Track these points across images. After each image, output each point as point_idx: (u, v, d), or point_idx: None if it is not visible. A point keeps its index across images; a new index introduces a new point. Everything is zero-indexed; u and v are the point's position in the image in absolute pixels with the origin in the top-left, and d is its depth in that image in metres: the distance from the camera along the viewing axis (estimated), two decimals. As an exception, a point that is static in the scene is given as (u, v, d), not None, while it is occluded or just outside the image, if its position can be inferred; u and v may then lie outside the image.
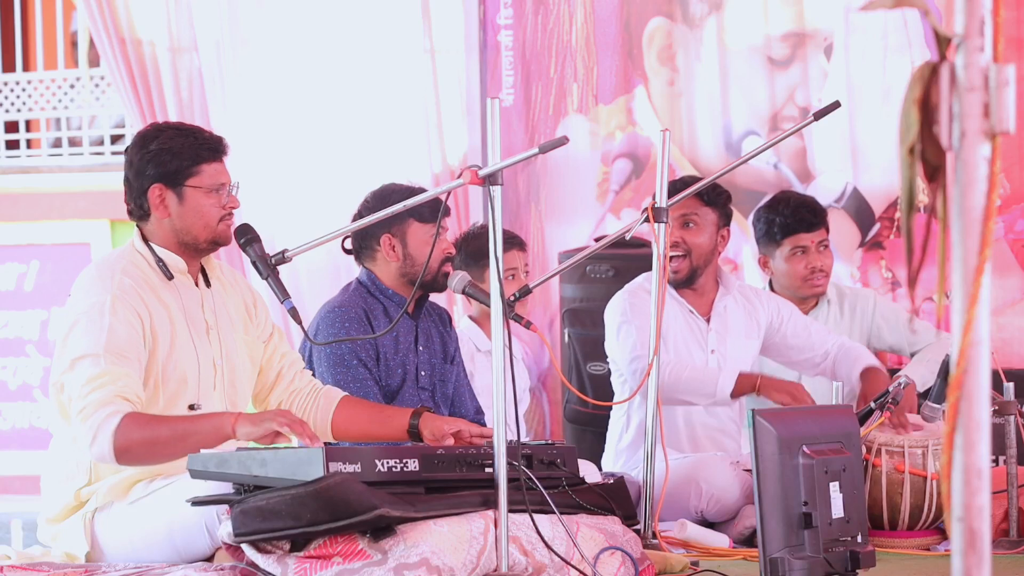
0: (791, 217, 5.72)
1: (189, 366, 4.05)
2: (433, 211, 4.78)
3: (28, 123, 8.45)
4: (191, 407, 4.04)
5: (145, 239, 4.12)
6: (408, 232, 4.93)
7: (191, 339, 4.07)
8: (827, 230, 5.76)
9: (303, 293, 6.75)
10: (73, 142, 8.31)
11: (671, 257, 5.32)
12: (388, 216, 4.24)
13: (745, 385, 5.22)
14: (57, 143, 8.28)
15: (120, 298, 3.95)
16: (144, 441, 3.82)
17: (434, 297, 5.20)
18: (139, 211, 4.13)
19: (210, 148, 4.12)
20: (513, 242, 5.77)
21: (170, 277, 4.08)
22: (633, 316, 5.24)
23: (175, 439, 3.82)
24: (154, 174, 4.10)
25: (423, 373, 4.97)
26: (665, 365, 5.17)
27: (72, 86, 8.28)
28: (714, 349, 5.43)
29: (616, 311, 5.36)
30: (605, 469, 5.37)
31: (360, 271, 5.03)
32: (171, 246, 4.11)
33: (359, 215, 4.86)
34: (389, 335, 4.88)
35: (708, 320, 5.46)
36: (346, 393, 4.46)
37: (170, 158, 4.08)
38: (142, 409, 3.89)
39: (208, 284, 4.20)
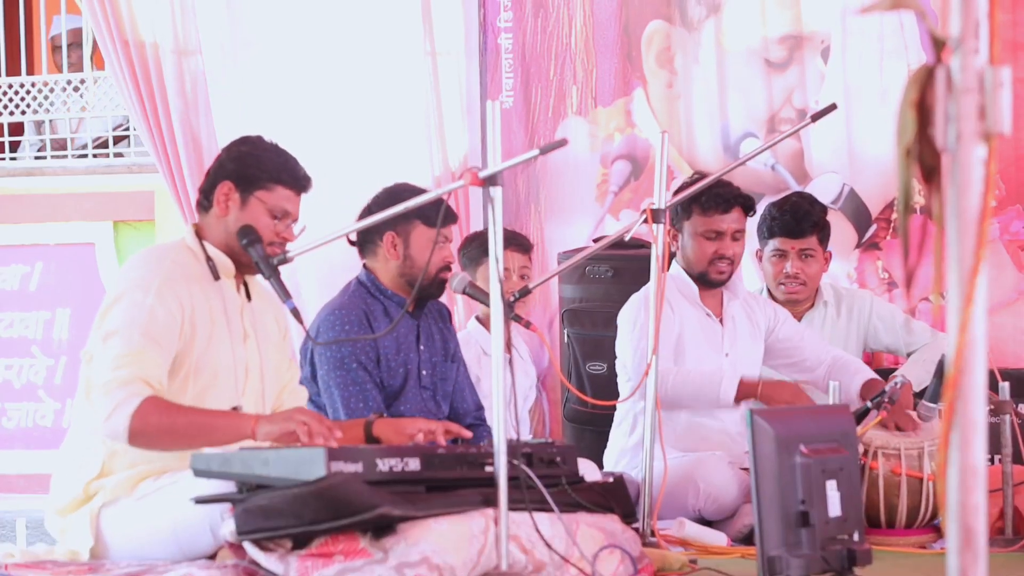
0: (779, 219, 5.78)
1: (223, 366, 4.08)
2: (442, 216, 4.76)
3: (31, 125, 8.45)
4: (234, 410, 4.07)
5: (200, 237, 4.16)
6: (412, 233, 4.93)
7: (229, 341, 4.11)
8: (820, 240, 5.78)
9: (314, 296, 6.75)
10: (77, 144, 8.31)
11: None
12: (394, 215, 4.24)
13: (747, 391, 5.26)
14: (61, 145, 8.29)
15: (167, 283, 3.99)
16: (161, 426, 3.85)
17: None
18: (205, 201, 4.18)
19: (294, 177, 4.16)
20: (511, 242, 5.78)
21: (217, 277, 4.12)
22: (648, 319, 5.26)
23: (193, 430, 3.85)
24: (231, 171, 4.15)
25: (424, 372, 4.98)
26: (667, 373, 5.19)
27: (75, 88, 8.28)
28: (728, 352, 5.46)
29: (631, 313, 5.38)
30: (607, 468, 5.39)
31: (360, 271, 5.04)
32: (222, 247, 4.14)
33: (368, 209, 4.88)
34: (390, 335, 4.89)
35: (722, 322, 5.49)
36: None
37: (253, 163, 4.14)
38: (163, 396, 3.92)
39: (249, 297, 4.24)
